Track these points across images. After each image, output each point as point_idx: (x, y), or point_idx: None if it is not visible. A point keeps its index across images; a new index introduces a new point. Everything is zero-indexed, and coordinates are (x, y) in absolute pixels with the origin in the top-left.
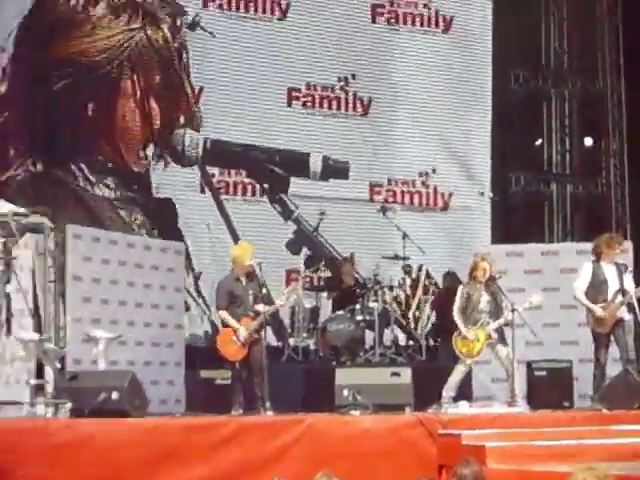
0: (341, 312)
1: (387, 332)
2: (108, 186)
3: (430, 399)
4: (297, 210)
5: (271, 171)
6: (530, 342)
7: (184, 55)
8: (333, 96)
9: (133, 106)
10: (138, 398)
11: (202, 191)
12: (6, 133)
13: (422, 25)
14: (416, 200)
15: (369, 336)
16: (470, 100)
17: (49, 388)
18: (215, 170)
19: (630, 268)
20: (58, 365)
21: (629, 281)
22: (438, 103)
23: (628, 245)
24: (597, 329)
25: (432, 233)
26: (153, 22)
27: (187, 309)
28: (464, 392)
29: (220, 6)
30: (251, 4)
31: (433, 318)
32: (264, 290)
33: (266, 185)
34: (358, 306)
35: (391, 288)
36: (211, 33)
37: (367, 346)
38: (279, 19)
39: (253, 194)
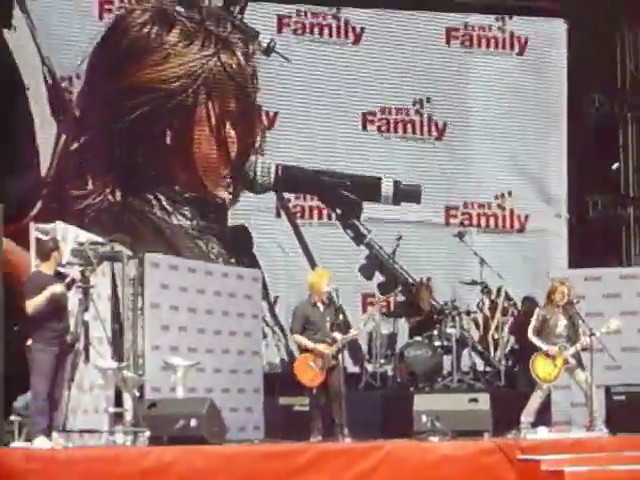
0: (419, 338)
1: (465, 358)
2: (185, 215)
3: (509, 425)
4: (369, 235)
5: (343, 196)
6: (609, 366)
7: (256, 81)
8: (408, 119)
9: (209, 133)
10: (216, 425)
11: (278, 215)
12: (82, 160)
13: (496, 47)
14: (492, 223)
15: (447, 362)
16: (546, 123)
17: (128, 416)
18: (290, 195)
19: None
20: (137, 393)
21: None
22: (513, 125)
23: None
24: None
25: (509, 256)
26: (226, 48)
27: (263, 337)
28: (543, 417)
29: (294, 31)
30: (325, 29)
31: (512, 342)
32: (341, 316)
33: (338, 210)
34: (436, 332)
35: (468, 313)
36: (286, 58)
37: (445, 372)
38: (353, 43)
39: (329, 218)
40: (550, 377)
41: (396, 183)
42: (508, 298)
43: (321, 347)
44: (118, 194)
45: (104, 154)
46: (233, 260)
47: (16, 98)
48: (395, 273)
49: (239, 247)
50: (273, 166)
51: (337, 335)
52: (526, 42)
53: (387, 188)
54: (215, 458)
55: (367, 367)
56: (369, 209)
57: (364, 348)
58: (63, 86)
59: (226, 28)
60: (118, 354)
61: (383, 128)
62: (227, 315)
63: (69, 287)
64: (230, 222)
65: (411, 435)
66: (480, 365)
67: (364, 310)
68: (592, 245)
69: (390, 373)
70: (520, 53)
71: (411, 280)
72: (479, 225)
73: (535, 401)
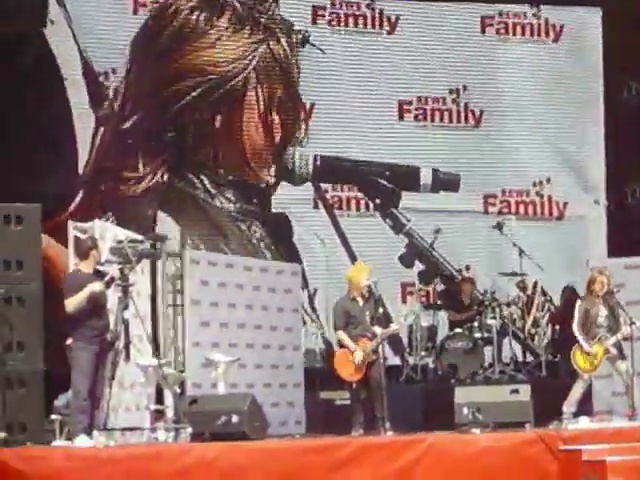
0: (459, 330)
1: (506, 349)
2: (228, 199)
3: (551, 415)
4: (409, 224)
5: (381, 186)
6: None
7: (298, 70)
8: (444, 108)
9: (257, 119)
10: (258, 421)
11: (315, 206)
12: (133, 144)
13: (532, 35)
14: (530, 210)
15: (488, 354)
16: (583, 109)
17: (169, 413)
18: (328, 185)
19: None
20: (178, 390)
21: None
22: (550, 113)
23: None
24: None
25: (548, 245)
26: (273, 36)
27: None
28: (584, 407)
29: (329, 22)
30: (360, 19)
31: (550, 333)
32: (381, 309)
33: (377, 200)
34: (476, 323)
35: (508, 304)
36: (321, 49)
37: (486, 364)
38: (388, 33)
39: (367, 208)
40: (591, 367)
41: (435, 172)
42: (544, 293)
43: (358, 352)
44: (166, 176)
45: (154, 137)
46: (273, 247)
47: (54, 92)
48: (435, 261)
49: (280, 234)
50: (311, 157)
51: (377, 329)
52: (561, 29)
53: (426, 177)
54: (257, 454)
55: (408, 360)
56: (408, 198)
57: (404, 341)
58: (101, 78)
59: (269, 18)
60: (158, 351)
61: (420, 117)
62: (267, 310)
63: (108, 285)
64: (273, 209)
65: (452, 427)
66: (521, 356)
67: (403, 300)
68: (631, 232)
69: (431, 366)
70: (555, 40)
71: (451, 269)
72: (517, 213)
73: (577, 391)
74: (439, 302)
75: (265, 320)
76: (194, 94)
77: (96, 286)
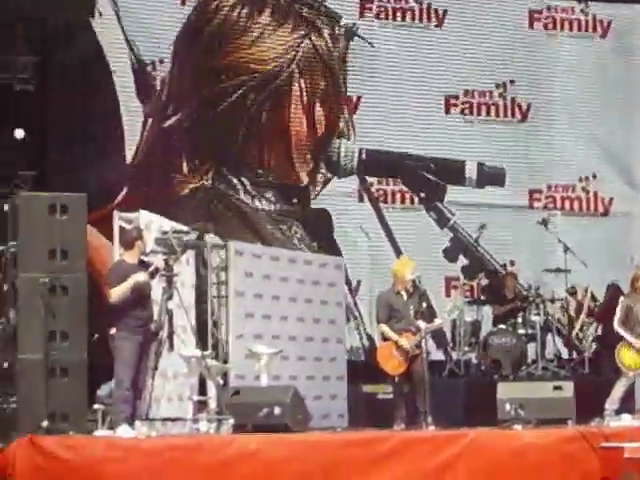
0: (503, 326)
1: (549, 345)
2: (268, 200)
3: (593, 412)
4: (453, 218)
5: (426, 179)
6: None
7: (343, 64)
8: (491, 102)
9: (301, 113)
10: (300, 413)
11: (360, 200)
12: (177, 143)
13: (579, 30)
14: (576, 206)
15: (531, 350)
16: (629, 105)
17: (212, 404)
18: (373, 179)
19: None
20: (221, 381)
21: None
22: (596, 108)
23: None
24: None
25: (592, 241)
26: (315, 29)
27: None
28: (627, 405)
29: (377, 15)
30: (408, 12)
31: (594, 330)
32: (425, 304)
33: (422, 193)
34: (520, 319)
35: (552, 301)
36: (369, 42)
37: (529, 360)
38: (436, 26)
39: (412, 202)
40: (635, 365)
41: (480, 166)
42: (594, 299)
43: (404, 341)
44: (208, 178)
45: (198, 137)
46: (315, 244)
47: (101, 83)
48: (479, 256)
49: (320, 231)
50: (356, 150)
51: (421, 324)
52: (609, 25)
53: (471, 171)
54: (298, 446)
55: (451, 354)
56: (453, 192)
57: (448, 335)
58: (149, 70)
59: (312, 11)
60: (202, 342)
61: (466, 111)
62: (310, 302)
63: (152, 276)
64: (312, 205)
65: (494, 423)
66: (565, 353)
67: (447, 294)
68: None
69: (474, 361)
70: (603, 36)
71: (495, 264)
72: (563, 208)
73: (619, 389)
74: (483, 297)
75: (308, 313)
76: (240, 92)
77: (140, 276)
